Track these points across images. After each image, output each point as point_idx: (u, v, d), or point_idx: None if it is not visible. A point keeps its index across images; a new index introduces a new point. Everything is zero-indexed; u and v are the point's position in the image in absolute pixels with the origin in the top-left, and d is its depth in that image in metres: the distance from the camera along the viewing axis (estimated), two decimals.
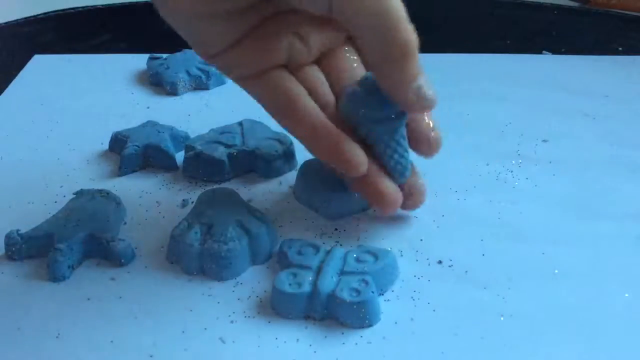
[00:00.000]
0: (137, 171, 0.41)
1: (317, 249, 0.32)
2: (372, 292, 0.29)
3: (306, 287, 0.30)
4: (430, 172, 0.40)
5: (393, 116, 0.32)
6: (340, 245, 0.34)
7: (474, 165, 0.41)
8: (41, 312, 0.30)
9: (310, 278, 0.30)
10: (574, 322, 0.30)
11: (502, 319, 0.30)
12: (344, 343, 0.29)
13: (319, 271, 0.31)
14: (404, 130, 0.33)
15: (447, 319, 0.30)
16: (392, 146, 0.33)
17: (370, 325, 0.29)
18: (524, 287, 0.32)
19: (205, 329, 0.30)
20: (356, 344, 0.29)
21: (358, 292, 0.29)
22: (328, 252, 0.32)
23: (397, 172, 0.34)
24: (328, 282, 0.30)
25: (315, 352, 0.28)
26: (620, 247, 0.34)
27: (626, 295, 0.31)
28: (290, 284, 0.30)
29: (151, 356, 0.28)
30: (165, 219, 0.36)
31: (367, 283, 0.30)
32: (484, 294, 0.31)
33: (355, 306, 0.29)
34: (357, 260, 0.31)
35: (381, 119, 0.32)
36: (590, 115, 0.47)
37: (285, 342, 0.29)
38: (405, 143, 0.33)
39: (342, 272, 0.31)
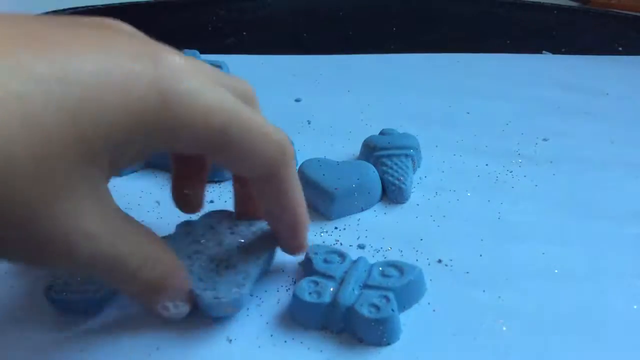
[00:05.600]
0: (137, 171, 0.41)
1: (343, 257, 0.31)
2: (393, 310, 0.28)
3: (326, 298, 0.29)
4: (431, 172, 0.40)
5: None
6: (362, 248, 0.34)
7: (473, 165, 0.41)
8: (42, 316, 0.31)
9: (332, 289, 0.29)
10: (574, 321, 0.30)
11: (501, 319, 0.30)
12: (341, 342, 0.29)
13: (341, 282, 0.30)
14: None
15: (447, 319, 0.30)
16: None
17: (388, 344, 0.28)
18: (523, 287, 0.32)
19: (197, 327, 0.30)
20: (354, 343, 0.29)
21: (378, 308, 0.28)
22: (354, 262, 0.31)
23: None
24: (349, 294, 0.29)
25: (312, 351, 0.28)
26: (620, 247, 0.34)
27: (626, 295, 0.31)
28: (310, 293, 0.29)
29: (149, 355, 0.28)
30: (165, 220, 0.36)
31: (388, 300, 0.29)
32: (483, 294, 0.31)
33: (373, 323, 0.28)
34: (382, 274, 0.30)
35: None
36: (590, 113, 0.47)
37: (285, 341, 0.29)
38: None
39: (365, 286, 0.30)
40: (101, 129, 0.21)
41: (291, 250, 0.31)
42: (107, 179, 0.24)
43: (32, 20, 0.22)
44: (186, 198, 0.32)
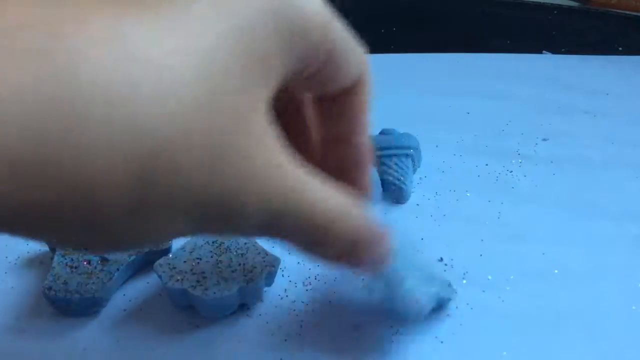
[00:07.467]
0: None
1: None
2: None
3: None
4: (431, 172, 0.40)
5: None
6: None
7: (473, 165, 0.41)
8: (42, 316, 0.31)
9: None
10: (573, 321, 0.30)
11: (501, 319, 0.30)
12: (341, 342, 0.29)
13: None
14: None
15: (447, 319, 0.30)
16: None
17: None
18: (523, 287, 0.32)
19: (197, 326, 0.30)
20: (353, 343, 0.29)
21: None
22: None
23: None
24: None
25: (312, 350, 0.28)
26: (620, 247, 0.34)
27: (626, 295, 0.31)
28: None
29: (150, 355, 0.28)
30: None
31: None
32: (483, 294, 0.31)
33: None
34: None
35: None
36: (590, 113, 0.47)
37: (285, 340, 0.29)
38: None
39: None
40: (277, 46, 0.17)
41: (359, 188, 0.24)
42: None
43: None
44: None
